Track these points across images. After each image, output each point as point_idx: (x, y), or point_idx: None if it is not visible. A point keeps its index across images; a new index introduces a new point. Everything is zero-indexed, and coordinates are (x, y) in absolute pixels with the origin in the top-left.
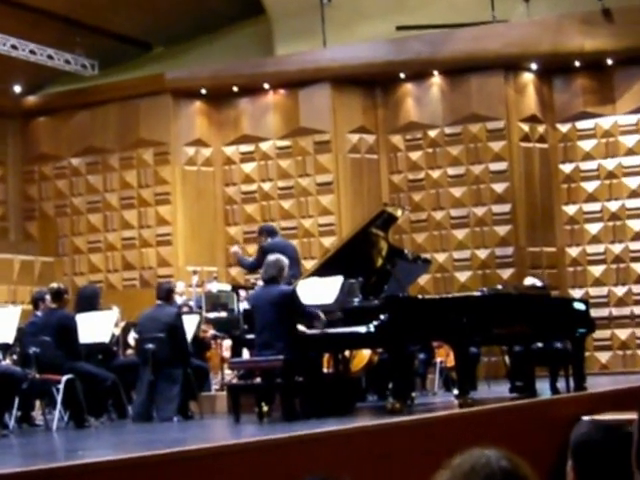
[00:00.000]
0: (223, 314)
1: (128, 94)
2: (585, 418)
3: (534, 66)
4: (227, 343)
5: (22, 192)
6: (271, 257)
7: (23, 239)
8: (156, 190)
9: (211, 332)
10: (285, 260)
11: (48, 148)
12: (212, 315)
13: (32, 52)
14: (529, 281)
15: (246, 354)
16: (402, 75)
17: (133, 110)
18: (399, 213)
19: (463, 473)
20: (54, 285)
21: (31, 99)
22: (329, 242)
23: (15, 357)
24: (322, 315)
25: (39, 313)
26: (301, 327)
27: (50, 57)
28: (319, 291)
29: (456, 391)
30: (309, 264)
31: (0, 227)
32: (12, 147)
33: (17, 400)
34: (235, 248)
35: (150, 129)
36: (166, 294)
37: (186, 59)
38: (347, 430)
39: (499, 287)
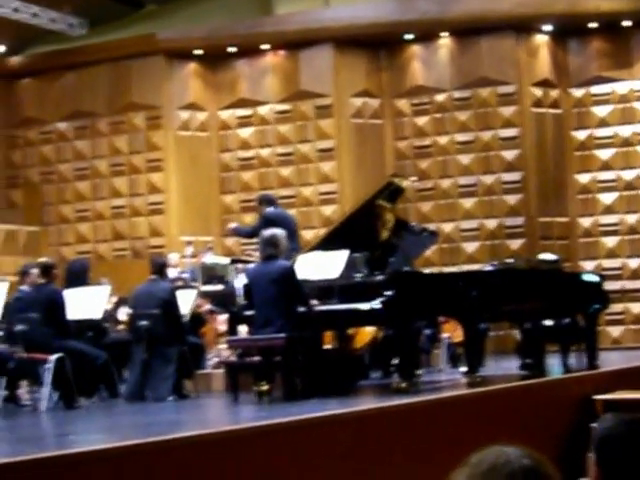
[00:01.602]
0: (219, 287)
1: (118, 55)
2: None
3: (548, 27)
4: (222, 317)
5: (5, 158)
6: (266, 233)
7: (7, 207)
8: (148, 156)
9: (207, 306)
10: (282, 233)
11: (33, 112)
12: (207, 288)
13: (16, 10)
14: (543, 257)
15: (243, 331)
16: (408, 36)
17: (123, 72)
18: (406, 184)
19: (482, 472)
20: (43, 259)
21: (15, 60)
22: (330, 211)
23: (0, 334)
24: (313, 302)
25: (25, 288)
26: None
27: (35, 15)
28: (323, 265)
29: (463, 368)
30: (308, 234)
31: None
32: None
33: (3, 380)
34: (232, 225)
35: (142, 92)
36: (159, 268)
37: (180, 18)
38: (350, 413)
39: (509, 260)
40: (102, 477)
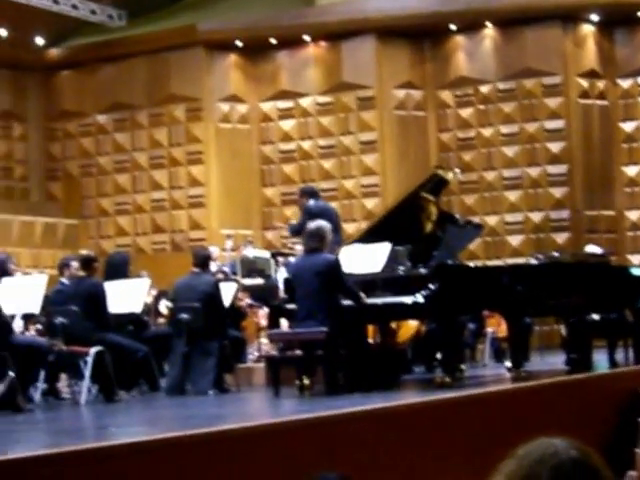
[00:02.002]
0: (259, 281)
1: (158, 46)
2: None
3: (594, 17)
4: (263, 311)
5: (44, 151)
6: (311, 225)
7: (46, 200)
8: (188, 149)
9: (247, 301)
10: (327, 225)
11: (72, 104)
12: (248, 282)
13: (55, 1)
14: (589, 249)
15: (284, 324)
16: (452, 26)
17: (163, 63)
18: (450, 176)
19: (530, 464)
20: (84, 252)
21: (54, 52)
22: (372, 204)
23: (40, 327)
24: (363, 296)
25: (65, 280)
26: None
27: (74, 7)
28: (365, 259)
29: (508, 363)
30: (350, 228)
31: (21, 188)
32: (34, 103)
33: (43, 373)
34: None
35: (182, 84)
36: (203, 261)
37: (220, 9)
38: (393, 407)
39: (555, 254)
40: (143, 469)
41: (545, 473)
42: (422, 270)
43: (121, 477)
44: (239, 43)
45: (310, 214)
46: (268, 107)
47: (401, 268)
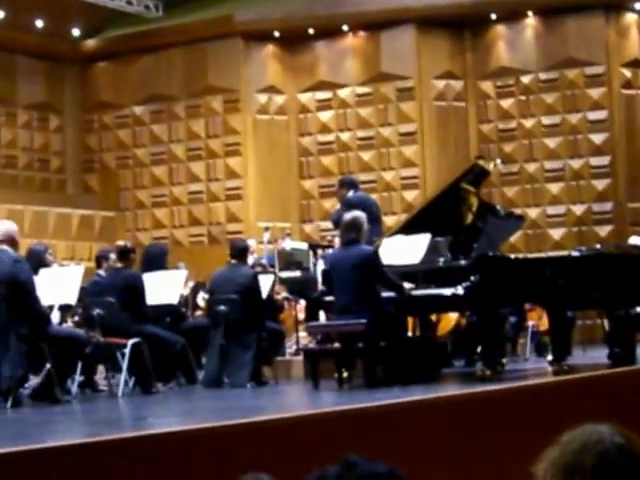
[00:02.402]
0: (297, 273)
1: (195, 37)
2: None
3: (638, 6)
4: (301, 304)
5: (81, 142)
6: (347, 216)
7: (82, 193)
8: (225, 140)
9: (283, 294)
10: (363, 217)
11: (109, 95)
12: (285, 274)
13: None
14: (633, 240)
15: (323, 317)
16: (493, 16)
17: (200, 54)
18: (491, 167)
19: (574, 450)
20: (120, 243)
21: (90, 43)
22: (411, 196)
23: (77, 319)
24: (407, 286)
25: (102, 272)
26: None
27: None
28: (405, 250)
29: (550, 357)
30: (390, 220)
31: (57, 180)
32: (70, 94)
33: (80, 365)
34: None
35: (219, 75)
36: (241, 252)
37: None
38: (434, 399)
39: (598, 246)
40: (181, 458)
41: (590, 460)
42: (462, 262)
43: (159, 466)
44: (277, 33)
45: (349, 206)
46: (306, 98)
47: (441, 260)
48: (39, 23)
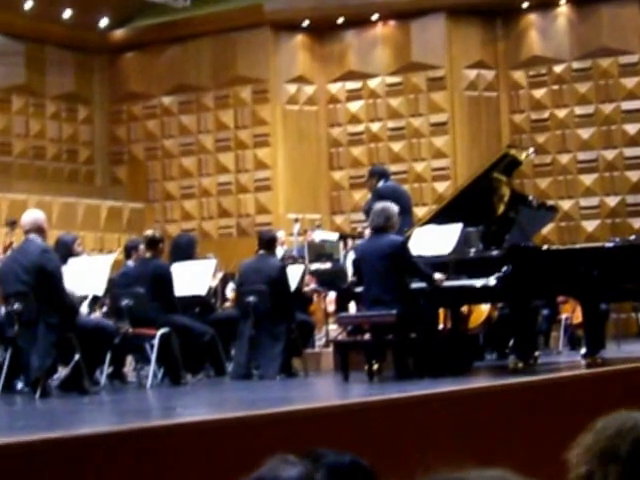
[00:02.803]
0: (327, 265)
1: (223, 27)
2: None
3: None
4: (331, 297)
5: (109, 133)
6: (377, 206)
7: (110, 184)
8: (254, 131)
9: (312, 286)
10: (394, 207)
11: (137, 86)
12: (315, 266)
13: None
14: None
15: (353, 309)
16: (525, 4)
17: (229, 44)
18: (523, 156)
19: (608, 437)
20: (149, 232)
21: (118, 33)
22: (442, 187)
23: (105, 310)
24: (438, 276)
25: (130, 263)
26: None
27: None
28: (435, 240)
29: (583, 350)
30: (420, 211)
31: (86, 171)
32: (98, 85)
33: (108, 356)
34: None
35: (248, 65)
36: (268, 243)
37: None
38: (466, 390)
39: (632, 237)
40: (210, 448)
41: (624, 446)
42: (494, 252)
43: (188, 455)
44: (306, 23)
45: (380, 196)
46: (336, 88)
47: (472, 250)
48: (67, 14)
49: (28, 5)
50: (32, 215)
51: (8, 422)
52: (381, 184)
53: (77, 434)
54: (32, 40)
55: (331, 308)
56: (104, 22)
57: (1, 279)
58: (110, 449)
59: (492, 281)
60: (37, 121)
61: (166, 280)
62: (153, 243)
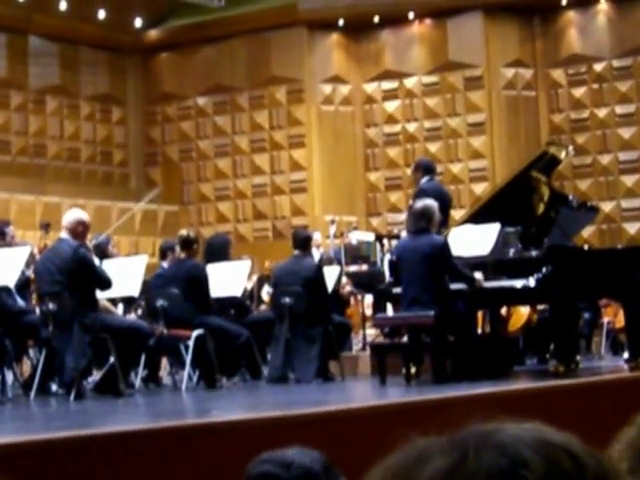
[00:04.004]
0: (364, 267)
1: (258, 26)
2: None
3: None
4: (368, 300)
5: (144, 135)
6: (418, 204)
7: (145, 186)
8: (290, 132)
9: (348, 288)
10: (435, 205)
11: (171, 87)
12: (352, 269)
13: None
14: None
15: (390, 310)
16: (564, 1)
17: (264, 44)
18: (563, 155)
19: None
20: (183, 232)
21: (152, 33)
22: (480, 189)
23: (140, 312)
24: (478, 277)
25: (165, 264)
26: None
27: None
28: (474, 240)
29: (626, 354)
30: (458, 214)
31: (120, 173)
32: (132, 86)
33: (143, 358)
34: None
35: (282, 65)
36: (304, 243)
37: None
38: (504, 392)
39: None
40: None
41: None
42: (534, 253)
43: (224, 454)
44: (341, 22)
45: (422, 194)
46: (372, 88)
47: (511, 251)
48: (101, 14)
49: (63, 6)
50: (72, 215)
51: (43, 423)
52: (424, 181)
53: (110, 431)
54: (66, 41)
55: (368, 311)
56: (138, 22)
57: (36, 279)
58: (142, 447)
59: (532, 282)
60: (71, 122)
61: (201, 280)
62: (187, 243)
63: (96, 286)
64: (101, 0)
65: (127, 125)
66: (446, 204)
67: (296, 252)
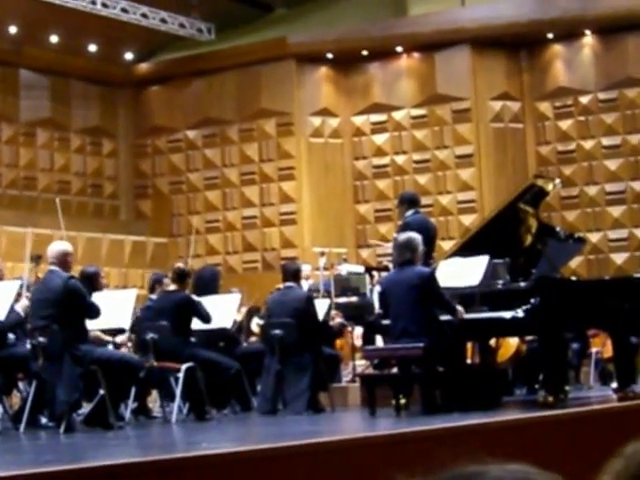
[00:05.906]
0: (353, 299)
1: (248, 60)
2: None
3: None
4: (358, 332)
5: (134, 167)
6: (401, 237)
7: (135, 218)
8: (279, 164)
9: (338, 320)
10: (418, 237)
11: (162, 120)
12: (342, 300)
13: (144, 16)
14: None
15: (379, 342)
16: (550, 35)
17: (253, 77)
18: (550, 187)
19: (639, 463)
20: (179, 265)
21: (143, 67)
22: (469, 221)
23: (130, 344)
24: (460, 309)
25: (154, 297)
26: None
27: (163, 21)
28: (462, 272)
29: (614, 384)
30: (447, 245)
31: (110, 205)
32: (123, 119)
33: (133, 391)
34: None
35: (272, 98)
36: (294, 275)
37: (310, 21)
38: (494, 424)
39: None
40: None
41: None
42: (522, 284)
43: None
44: (330, 55)
45: (408, 228)
46: (360, 121)
47: (500, 282)
48: (92, 47)
49: (53, 39)
50: (56, 247)
51: (33, 457)
52: (409, 214)
53: (100, 465)
54: (57, 74)
55: (358, 343)
56: (129, 56)
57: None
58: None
59: (520, 313)
60: (62, 155)
61: (190, 308)
62: (182, 277)
63: (86, 315)
64: (92, 33)
65: (117, 158)
66: (430, 236)
67: (287, 284)
